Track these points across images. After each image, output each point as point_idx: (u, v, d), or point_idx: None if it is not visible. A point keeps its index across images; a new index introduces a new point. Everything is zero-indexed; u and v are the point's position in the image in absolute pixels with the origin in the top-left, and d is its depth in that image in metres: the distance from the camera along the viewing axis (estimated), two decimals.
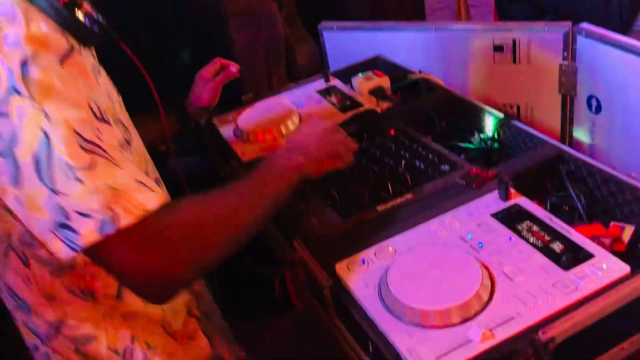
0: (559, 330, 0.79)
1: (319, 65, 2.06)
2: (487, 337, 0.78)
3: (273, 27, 4.21)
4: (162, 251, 0.78)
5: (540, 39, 1.57)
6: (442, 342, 0.79)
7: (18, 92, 0.73)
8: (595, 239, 0.95)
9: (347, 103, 1.47)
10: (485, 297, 0.84)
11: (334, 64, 1.89)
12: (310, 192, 1.16)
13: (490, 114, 1.32)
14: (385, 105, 1.44)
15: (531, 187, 1.09)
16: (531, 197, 1.03)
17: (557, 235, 0.92)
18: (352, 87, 1.54)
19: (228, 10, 3.16)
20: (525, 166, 1.13)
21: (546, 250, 0.90)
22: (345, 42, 1.87)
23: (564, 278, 0.84)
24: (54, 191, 0.74)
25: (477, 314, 0.82)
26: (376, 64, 1.67)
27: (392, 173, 1.18)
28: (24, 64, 0.74)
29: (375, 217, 1.06)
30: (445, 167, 1.16)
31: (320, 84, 1.60)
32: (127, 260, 0.77)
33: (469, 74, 1.69)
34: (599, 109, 1.55)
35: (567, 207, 1.09)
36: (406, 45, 1.75)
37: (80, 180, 0.74)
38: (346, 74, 1.63)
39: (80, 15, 0.86)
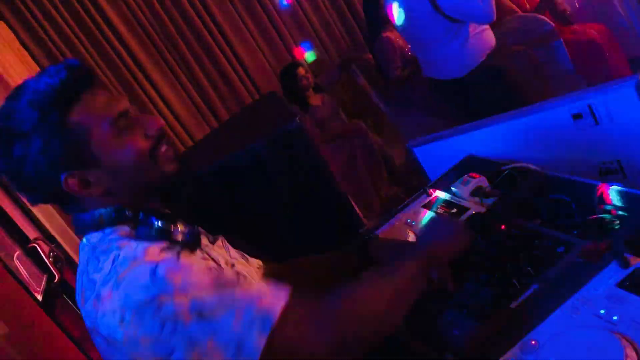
0: None
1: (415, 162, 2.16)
2: None
3: (364, 140, 4.51)
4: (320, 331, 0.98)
5: (614, 98, 1.65)
6: None
7: (163, 290, 0.96)
8: None
9: (453, 210, 1.60)
10: None
11: (432, 173, 2.04)
12: (443, 304, 1.28)
13: (588, 184, 1.40)
14: (488, 202, 1.56)
15: None
16: None
17: None
18: (453, 193, 1.68)
19: (319, 142, 3.46)
20: (636, 228, 1.19)
21: None
22: (436, 150, 2.03)
23: None
24: (217, 333, 0.94)
25: None
26: (469, 164, 1.81)
27: (514, 268, 1.28)
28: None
29: (510, 315, 1.16)
30: (561, 249, 1.25)
31: (423, 198, 1.76)
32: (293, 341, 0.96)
33: (559, 149, 1.77)
34: None
35: None
36: (493, 139, 1.88)
37: (231, 311, 0.95)
38: (444, 181, 1.78)
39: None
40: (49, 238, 2.67)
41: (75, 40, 4.06)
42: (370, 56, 4.81)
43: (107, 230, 1.07)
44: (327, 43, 5.11)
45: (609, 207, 1.34)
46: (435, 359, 1.19)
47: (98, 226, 1.07)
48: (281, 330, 0.95)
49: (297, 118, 1.97)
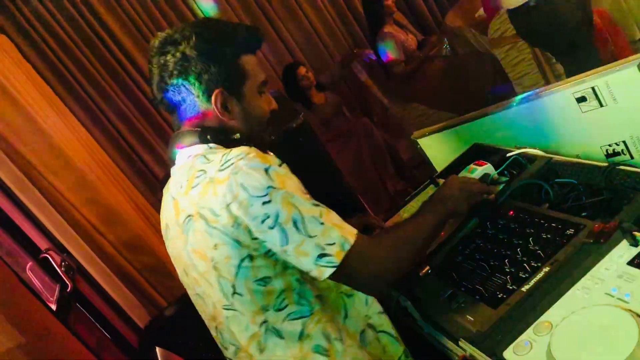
0: None
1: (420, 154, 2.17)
2: None
3: (370, 136, 4.51)
4: (375, 261, 1.23)
5: (618, 78, 1.64)
6: None
7: (274, 187, 1.17)
8: None
9: None
10: None
11: (438, 164, 2.04)
12: (459, 293, 1.28)
13: (594, 166, 1.40)
14: (496, 189, 1.56)
15: None
16: None
17: None
18: None
19: (325, 141, 3.46)
20: None
21: None
22: (441, 141, 2.03)
23: None
24: (310, 236, 1.16)
25: None
26: (474, 153, 1.81)
27: (525, 251, 1.28)
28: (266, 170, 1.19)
29: (522, 298, 1.16)
30: (571, 231, 1.25)
31: (431, 189, 1.76)
32: (362, 265, 1.20)
33: (563, 133, 1.77)
34: None
35: None
36: (497, 126, 1.88)
37: (322, 223, 1.17)
38: (451, 171, 1.78)
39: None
40: (59, 248, 2.69)
41: (77, 51, 4.09)
42: (372, 52, 4.81)
43: (212, 145, 1.30)
44: (328, 41, 5.11)
45: (616, 188, 1.34)
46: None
47: (207, 140, 1.30)
48: (355, 251, 1.19)
49: (301, 115, 1.97)
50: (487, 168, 1.62)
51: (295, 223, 1.17)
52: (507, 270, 1.27)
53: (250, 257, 1.20)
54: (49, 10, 3.99)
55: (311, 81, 4.54)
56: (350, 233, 1.20)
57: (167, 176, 1.41)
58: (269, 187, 1.17)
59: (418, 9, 5.33)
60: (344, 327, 1.30)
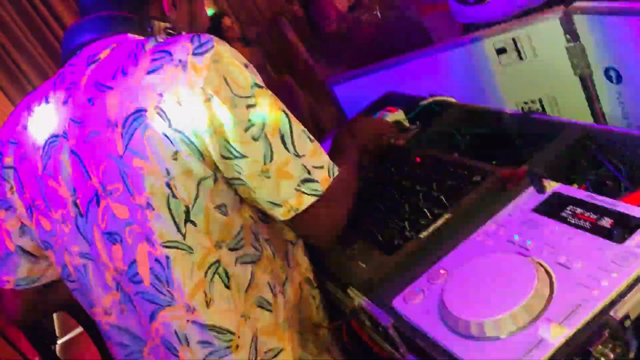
0: (631, 305, 0.76)
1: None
2: (559, 332, 0.76)
3: (290, 96, 4.36)
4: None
5: (539, 30, 1.57)
6: (515, 349, 0.76)
7: (259, 86, 0.96)
8: None
9: None
10: (546, 293, 0.81)
11: (353, 112, 1.93)
12: (351, 237, 1.17)
13: (508, 115, 1.31)
14: (406, 137, 1.45)
15: (567, 172, 1.08)
16: (570, 183, 1.00)
17: (603, 211, 0.89)
18: None
19: None
20: (555, 154, 1.12)
21: (596, 229, 0.87)
22: (357, 89, 1.91)
23: (621, 251, 0.81)
24: (298, 155, 0.97)
25: (542, 311, 0.79)
26: (388, 101, 1.69)
27: (427, 198, 1.18)
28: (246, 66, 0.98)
29: (420, 245, 1.06)
30: (477, 178, 1.15)
31: None
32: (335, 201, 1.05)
33: (481, 84, 1.69)
34: (619, 78, 1.52)
35: (609, 183, 1.06)
36: (413, 75, 1.78)
37: (311, 140, 0.99)
38: None
39: None
40: None
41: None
42: (301, 9, 4.63)
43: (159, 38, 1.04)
44: None
45: (529, 137, 1.26)
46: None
47: (146, 32, 1.06)
48: (337, 182, 1.03)
49: None
50: (398, 115, 1.51)
51: (282, 136, 0.96)
52: (407, 217, 1.16)
53: (215, 177, 0.97)
54: None
55: (236, 33, 4.33)
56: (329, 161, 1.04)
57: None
58: (254, 85, 0.95)
59: None
60: (286, 278, 1.12)
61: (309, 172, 0.99)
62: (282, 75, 4.61)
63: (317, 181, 0.99)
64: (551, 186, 1.00)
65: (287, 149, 0.97)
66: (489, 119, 1.38)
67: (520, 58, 1.63)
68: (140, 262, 1.01)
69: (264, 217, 1.06)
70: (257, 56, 4.48)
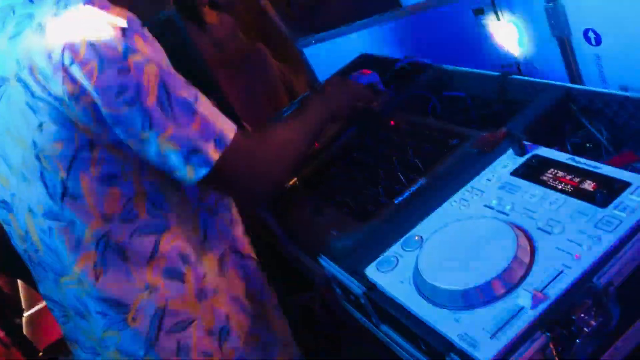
0: (615, 271, 0.72)
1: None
2: (540, 299, 0.72)
3: (264, 64, 4.25)
4: (259, 162, 1.00)
5: None
6: (494, 318, 0.73)
7: (133, 51, 0.86)
8: (628, 167, 0.88)
9: None
10: (527, 259, 0.77)
11: (324, 76, 1.86)
12: (324, 205, 1.11)
13: (486, 76, 1.26)
14: (381, 99, 1.39)
15: (548, 135, 1.03)
16: (551, 146, 0.96)
17: (585, 174, 0.85)
18: None
19: (214, 64, 3.19)
20: (535, 116, 1.07)
21: (578, 193, 0.83)
22: (328, 51, 1.84)
23: (604, 215, 0.78)
24: (179, 125, 0.89)
25: (522, 278, 0.75)
26: (362, 63, 1.63)
27: (402, 163, 1.13)
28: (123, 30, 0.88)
29: (394, 211, 1.01)
30: (454, 141, 1.11)
31: None
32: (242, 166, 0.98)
33: (459, 46, 1.63)
34: (598, 40, 1.47)
35: (590, 145, 1.02)
36: (388, 37, 1.71)
37: (194, 112, 0.90)
38: None
39: None
40: None
41: None
42: None
43: None
44: None
45: (507, 99, 1.21)
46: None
47: None
48: (232, 154, 0.95)
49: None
50: (372, 77, 1.45)
51: (161, 103, 0.88)
52: (381, 183, 1.11)
53: (90, 145, 0.90)
54: None
55: None
56: (228, 128, 0.95)
57: None
58: (127, 48, 0.87)
59: None
60: (202, 249, 1.06)
61: (195, 143, 0.91)
62: (255, 42, 4.49)
63: (206, 152, 0.92)
64: (531, 149, 0.95)
65: (167, 116, 0.89)
66: (466, 81, 1.33)
67: (498, 19, 1.57)
68: (31, 232, 1.00)
69: (171, 186, 0.99)
70: (227, 22, 4.34)
